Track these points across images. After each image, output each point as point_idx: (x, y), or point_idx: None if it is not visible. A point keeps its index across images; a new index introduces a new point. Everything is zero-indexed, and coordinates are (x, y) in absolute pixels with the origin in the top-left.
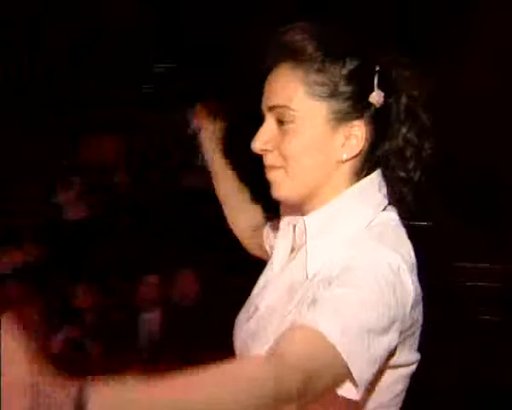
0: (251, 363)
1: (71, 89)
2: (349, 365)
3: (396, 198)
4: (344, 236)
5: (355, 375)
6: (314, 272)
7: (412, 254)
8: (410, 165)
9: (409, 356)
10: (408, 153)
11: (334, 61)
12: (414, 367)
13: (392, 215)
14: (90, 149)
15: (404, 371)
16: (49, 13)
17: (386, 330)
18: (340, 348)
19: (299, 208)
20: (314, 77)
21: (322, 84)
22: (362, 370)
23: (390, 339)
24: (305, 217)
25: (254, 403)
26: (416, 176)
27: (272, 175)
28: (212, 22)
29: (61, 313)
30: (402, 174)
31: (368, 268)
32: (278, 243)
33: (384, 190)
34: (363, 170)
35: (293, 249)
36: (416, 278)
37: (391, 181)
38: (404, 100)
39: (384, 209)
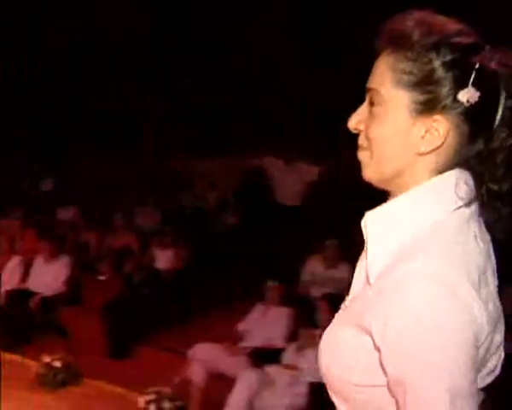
0: None
1: None
2: None
3: (488, 214)
4: (403, 240)
5: None
6: (374, 277)
7: (480, 263)
8: (500, 172)
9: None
10: (499, 159)
11: (429, 50)
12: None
13: (466, 213)
14: None
15: None
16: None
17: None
18: None
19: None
20: (403, 65)
21: (409, 73)
22: None
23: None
24: (368, 212)
25: None
26: (505, 186)
27: (360, 155)
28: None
29: None
30: (490, 184)
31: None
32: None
33: (462, 192)
34: (445, 168)
35: None
36: (484, 293)
37: (479, 193)
38: (508, 103)
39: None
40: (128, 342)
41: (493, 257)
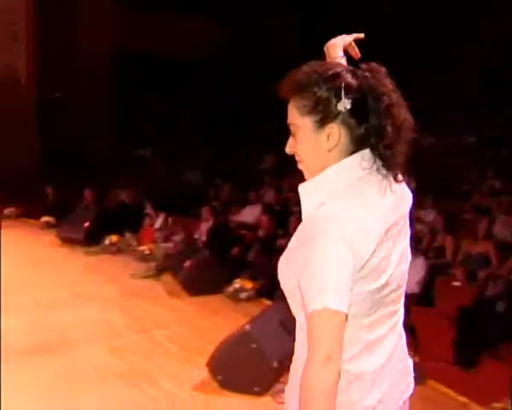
0: None
1: None
2: None
3: (383, 164)
4: (321, 199)
5: None
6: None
7: (379, 207)
8: (383, 141)
9: None
10: (377, 133)
11: (313, 86)
12: None
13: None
14: None
15: None
16: None
17: None
18: None
19: None
20: (301, 101)
21: (305, 105)
22: None
23: None
24: (299, 185)
25: None
26: (389, 147)
27: (300, 166)
28: None
29: None
30: (380, 148)
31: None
32: None
33: (365, 165)
34: (348, 152)
35: None
36: (349, 230)
37: (379, 150)
38: (371, 98)
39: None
40: (475, 353)
41: (402, 207)
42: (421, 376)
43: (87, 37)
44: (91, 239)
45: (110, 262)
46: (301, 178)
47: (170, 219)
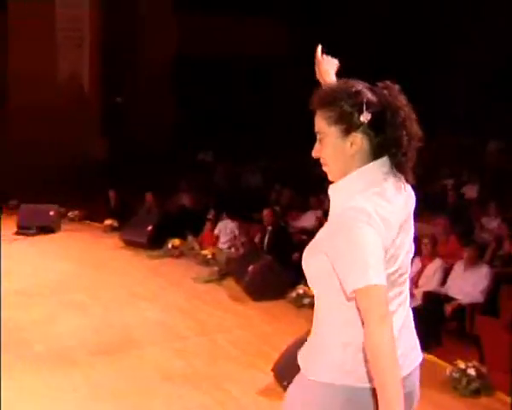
0: None
1: None
2: None
3: (397, 169)
4: (345, 199)
5: None
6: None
7: (376, 207)
8: (400, 150)
9: None
10: (395, 142)
11: (339, 101)
12: None
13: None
14: None
15: None
16: None
17: None
18: None
19: None
20: (328, 113)
21: (332, 116)
22: None
23: None
24: (330, 185)
25: None
26: (404, 155)
27: (324, 169)
28: None
29: None
30: (398, 156)
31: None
32: None
33: (384, 170)
34: (369, 159)
35: None
36: (376, 220)
37: (395, 157)
38: (389, 112)
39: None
40: None
41: (410, 204)
42: (487, 387)
43: (150, 41)
44: (154, 242)
45: (172, 266)
46: None
47: (231, 224)
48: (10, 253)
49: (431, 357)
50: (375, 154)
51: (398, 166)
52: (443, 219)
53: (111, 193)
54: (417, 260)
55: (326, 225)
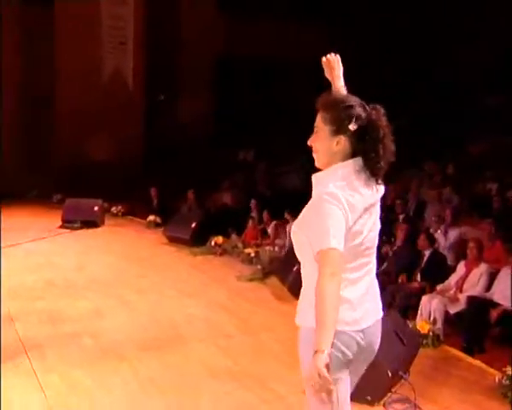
0: None
1: None
2: None
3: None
4: (325, 185)
5: None
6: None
7: (357, 195)
8: (374, 154)
9: None
10: (371, 150)
11: (335, 110)
12: None
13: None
14: None
15: None
16: None
17: None
18: None
19: None
20: (325, 115)
21: (328, 117)
22: None
23: None
24: (313, 175)
25: None
26: (378, 162)
27: (314, 156)
28: None
29: None
30: (374, 162)
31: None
32: None
33: (357, 168)
34: (348, 156)
35: None
36: (344, 204)
37: (368, 162)
38: (370, 127)
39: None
40: None
41: (377, 196)
42: None
43: (193, 39)
44: (197, 239)
45: (215, 263)
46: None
47: (273, 223)
48: (55, 246)
49: (477, 363)
50: (354, 156)
51: (373, 170)
52: (488, 224)
53: (152, 190)
54: (462, 265)
55: (307, 207)
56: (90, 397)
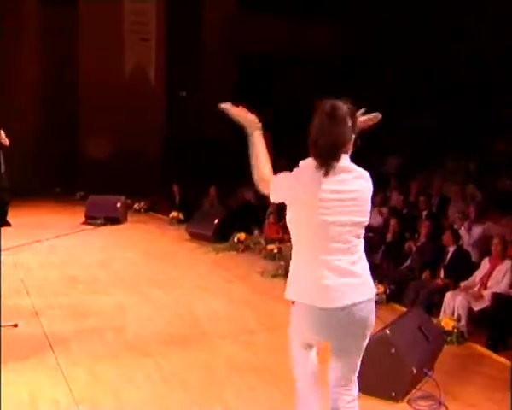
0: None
1: None
2: None
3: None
4: None
5: None
6: None
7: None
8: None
9: None
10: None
11: (346, 111)
12: None
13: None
14: None
15: None
16: None
17: None
18: None
19: None
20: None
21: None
22: None
23: None
24: None
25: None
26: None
27: None
28: None
29: None
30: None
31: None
32: None
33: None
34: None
35: None
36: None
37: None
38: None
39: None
40: None
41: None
42: None
43: (215, 36)
44: (220, 236)
45: (238, 259)
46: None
47: None
48: (78, 242)
49: (502, 360)
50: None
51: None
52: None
53: (174, 187)
54: (486, 261)
55: None
56: (114, 391)
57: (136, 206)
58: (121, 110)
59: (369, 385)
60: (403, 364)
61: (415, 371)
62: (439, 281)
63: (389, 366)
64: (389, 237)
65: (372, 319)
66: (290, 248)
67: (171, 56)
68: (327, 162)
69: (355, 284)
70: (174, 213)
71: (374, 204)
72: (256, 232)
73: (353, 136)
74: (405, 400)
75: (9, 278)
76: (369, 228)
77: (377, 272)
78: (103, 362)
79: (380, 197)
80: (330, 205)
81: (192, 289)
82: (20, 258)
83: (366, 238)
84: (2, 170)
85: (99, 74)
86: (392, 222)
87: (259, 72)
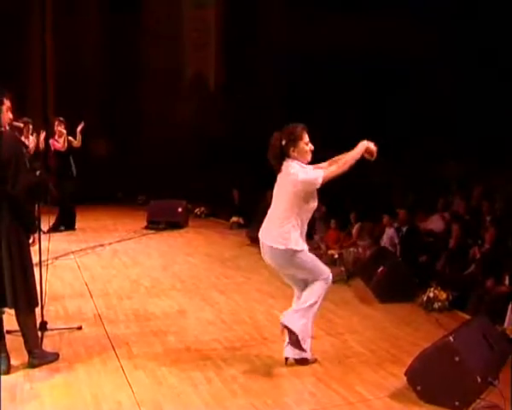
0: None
1: None
2: None
3: None
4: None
5: None
6: None
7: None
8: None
9: None
10: None
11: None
12: None
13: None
14: None
15: None
16: None
17: None
18: None
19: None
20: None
21: None
22: None
23: None
24: None
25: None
26: None
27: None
28: None
29: None
30: None
31: None
32: None
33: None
34: None
35: None
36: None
37: None
38: None
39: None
40: None
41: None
42: None
43: (271, 40)
44: None
45: None
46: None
47: (358, 224)
48: (141, 246)
49: None
50: None
51: None
52: None
53: (234, 192)
54: None
55: None
56: (175, 394)
57: (196, 211)
58: (182, 115)
59: (432, 393)
60: (467, 372)
61: (479, 380)
62: (503, 288)
63: (453, 375)
64: (451, 242)
65: None
66: (350, 253)
67: (229, 61)
68: None
69: None
70: (234, 218)
71: (435, 209)
72: (316, 237)
73: None
74: (469, 409)
75: (73, 282)
76: (430, 233)
77: (440, 279)
78: (164, 365)
79: (441, 203)
80: None
81: (253, 293)
82: (83, 262)
83: (427, 244)
84: (74, 174)
85: (161, 80)
86: (455, 228)
87: (320, 74)
